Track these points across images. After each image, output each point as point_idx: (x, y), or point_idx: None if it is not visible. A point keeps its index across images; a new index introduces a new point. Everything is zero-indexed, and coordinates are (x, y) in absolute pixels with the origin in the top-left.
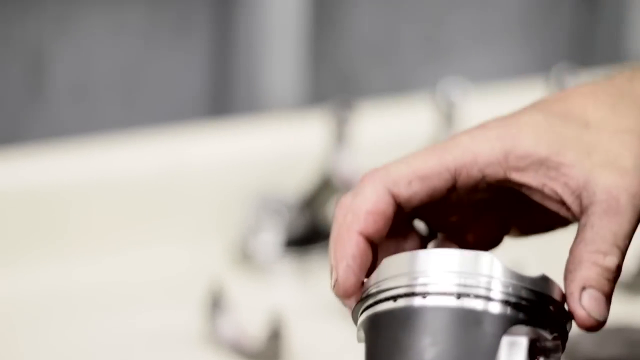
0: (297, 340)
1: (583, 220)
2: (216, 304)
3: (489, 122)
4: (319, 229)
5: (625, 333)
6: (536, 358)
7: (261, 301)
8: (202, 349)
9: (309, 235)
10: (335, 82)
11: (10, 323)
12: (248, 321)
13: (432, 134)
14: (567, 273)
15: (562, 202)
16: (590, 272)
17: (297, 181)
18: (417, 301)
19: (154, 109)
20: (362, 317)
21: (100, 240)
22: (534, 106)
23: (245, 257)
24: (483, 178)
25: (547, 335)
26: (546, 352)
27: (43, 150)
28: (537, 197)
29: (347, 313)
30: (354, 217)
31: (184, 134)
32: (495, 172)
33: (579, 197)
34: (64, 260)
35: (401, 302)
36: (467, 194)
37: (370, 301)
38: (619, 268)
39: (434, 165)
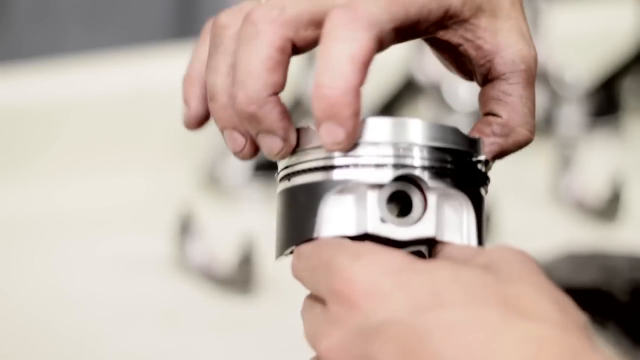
0: (267, 265)
1: (501, 86)
2: (185, 228)
3: None
4: None
5: (600, 259)
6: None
7: (230, 226)
8: (172, 275)
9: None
10: None
11: None
12: (217, 246)
13: None
14: (498, 138)
15: (471, 65)
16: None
17: None
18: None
19: (119, 31)
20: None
21: (66, 166)
22: None
23: (213, 181)
24: (424, 31)
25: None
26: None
27: (4, 72)
28: (446, 57)
29: None
30: (349, 74)
31: (149, 56)
32: (431, 29)
33: (491, 61)
34: (28, 185)
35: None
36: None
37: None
38: None
39: (404, 16)
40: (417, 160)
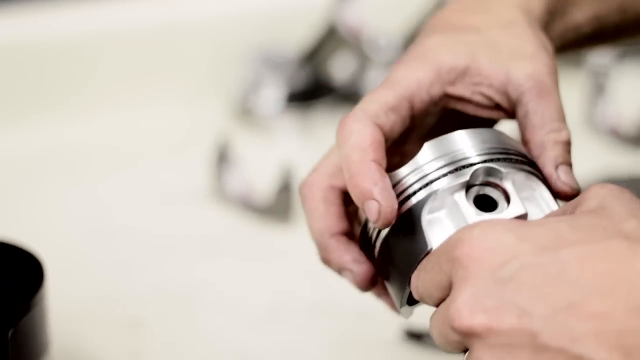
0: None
1: (521, 111)
2: (222, 159)
3: (404, 56)
4: (322, 83)
5: (636, 185)
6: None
7: (266, 156)
8: (210, 205)
9: (311, 89)
10: None
11: (14, 182)
12: (253, 176)
13: None
14: (535, 160)
15: (492, 105)
16: (556, 150)
17: (300, 33)
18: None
19: None
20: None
21: (102, 100)
22: (428, 32)
23: (247, 113)
24: (431, 100)
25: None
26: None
27: (35, 5)
28: (470, 110)
29: None
30: (362, 151)
31: None
32: (437, 90)
33: (505, 93)
34: (66, 119)
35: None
36: (420, 121)
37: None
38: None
39: (395, 98)
40: (478, 157)
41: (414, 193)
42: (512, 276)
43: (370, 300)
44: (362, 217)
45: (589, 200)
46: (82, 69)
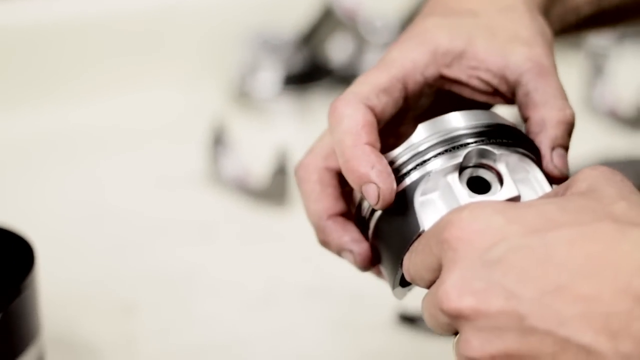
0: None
1: (521, 91)
2: (218, 142)
3: (401, 36)
4: (319, 65)
5: (635, 166)
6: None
7: (263, 140)
8: (207, 188)
9: (308, 72)
10: None
11: (8, 166)
12: (250, 159)
13: None
14: (533, 136)
15: (490, 90)
16: (558, 130)
17: (296, 15)
18: None
19: None
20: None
21: (99, 84)
22: (426, 14)
23: (243, 96)
24: (425, 81)
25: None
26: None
27: None
28: (467, 93)
29: None
30: (355, 135)
31: None
32: (432, 72)
33: (503, 77)
34: (61, 103)
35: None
36: (414, 102)
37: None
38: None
39: (388, 79)
40: (472, 137)
41: (408, 173)
42: (500, 258)
43: (365, 283)
44: (357, 198)
45: (580, 182)
46: (79, 53)
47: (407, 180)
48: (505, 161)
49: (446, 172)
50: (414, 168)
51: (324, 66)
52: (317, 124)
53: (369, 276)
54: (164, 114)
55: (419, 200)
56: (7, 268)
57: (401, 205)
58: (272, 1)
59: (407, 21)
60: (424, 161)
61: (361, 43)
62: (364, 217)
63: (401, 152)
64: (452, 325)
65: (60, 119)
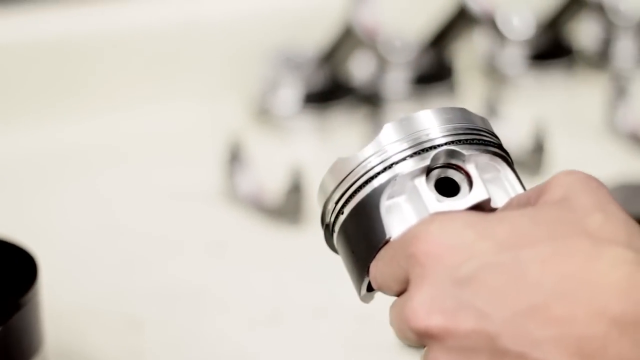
0: (316, 195)
1: None
2: (235, 158)
3: None
4: (339, 83)
5: None
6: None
7: (280, 157)
8: (221, 205)
9: (329, 90)
10: None
11: (25, 179)
12: (267, 177)
13: None
14: None
15: None
16: None
17: (317, 33)
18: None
19: None
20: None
21: (117, 96)
22: None
23: (263, 113)
24: None
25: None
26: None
27: (49, 1)
28: None
29: None
30: None
31: None
32: None
33: None
34: (82, 116)
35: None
36: None
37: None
38: None
39: None
40: (441, 138)
41: (376, 176)
42: (470, 276)
43: (375, 304)
44: (320, 203)
45: (554, 188)
46: (100, 66)
47: (375, 183)
48: (475, 162)
49: (413, 175)
50: (383, 170)
51: (344, 85)
52: (336, 142)
53: (378, 297)
54: (182, 129)
55: (385, 205)
56: (10, 282)
57: (367, 209)
58: (293, 19)
59: (427, 41)
60: (393, 163)
61: (382, 62)
62: (329, 223)
63: (369, 153)
64: (421, 342)
65: (77, 132)
